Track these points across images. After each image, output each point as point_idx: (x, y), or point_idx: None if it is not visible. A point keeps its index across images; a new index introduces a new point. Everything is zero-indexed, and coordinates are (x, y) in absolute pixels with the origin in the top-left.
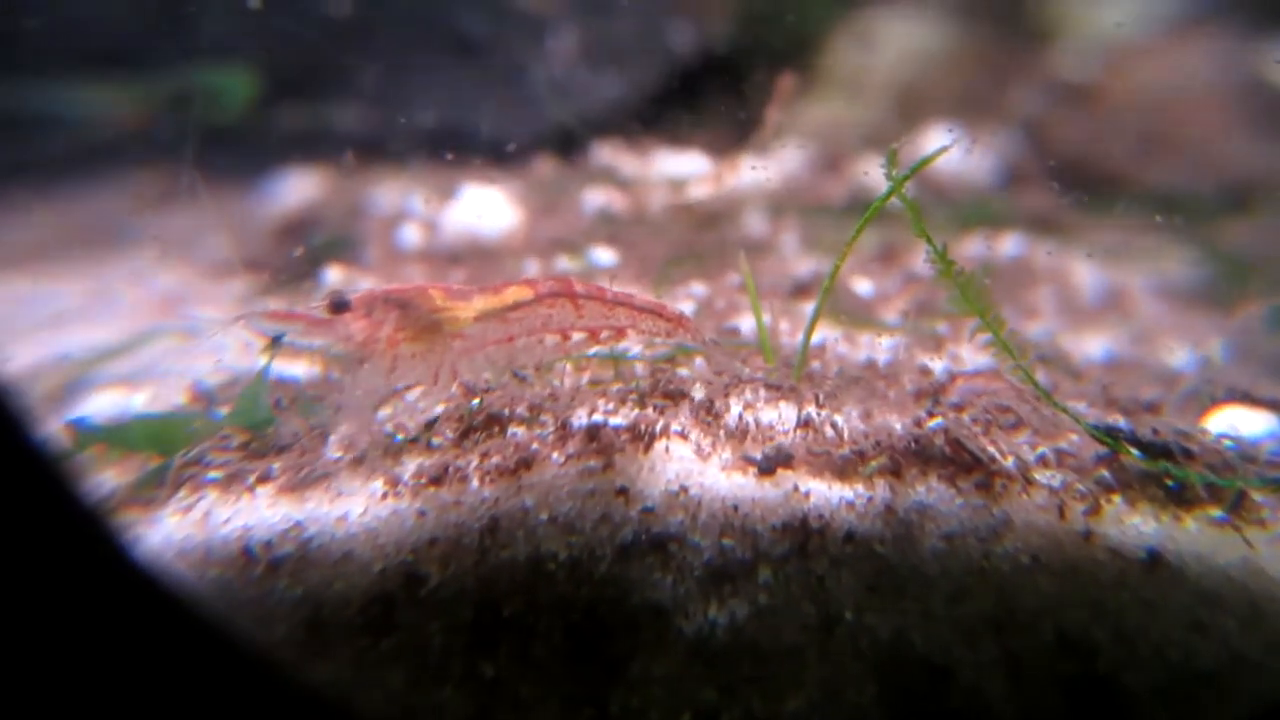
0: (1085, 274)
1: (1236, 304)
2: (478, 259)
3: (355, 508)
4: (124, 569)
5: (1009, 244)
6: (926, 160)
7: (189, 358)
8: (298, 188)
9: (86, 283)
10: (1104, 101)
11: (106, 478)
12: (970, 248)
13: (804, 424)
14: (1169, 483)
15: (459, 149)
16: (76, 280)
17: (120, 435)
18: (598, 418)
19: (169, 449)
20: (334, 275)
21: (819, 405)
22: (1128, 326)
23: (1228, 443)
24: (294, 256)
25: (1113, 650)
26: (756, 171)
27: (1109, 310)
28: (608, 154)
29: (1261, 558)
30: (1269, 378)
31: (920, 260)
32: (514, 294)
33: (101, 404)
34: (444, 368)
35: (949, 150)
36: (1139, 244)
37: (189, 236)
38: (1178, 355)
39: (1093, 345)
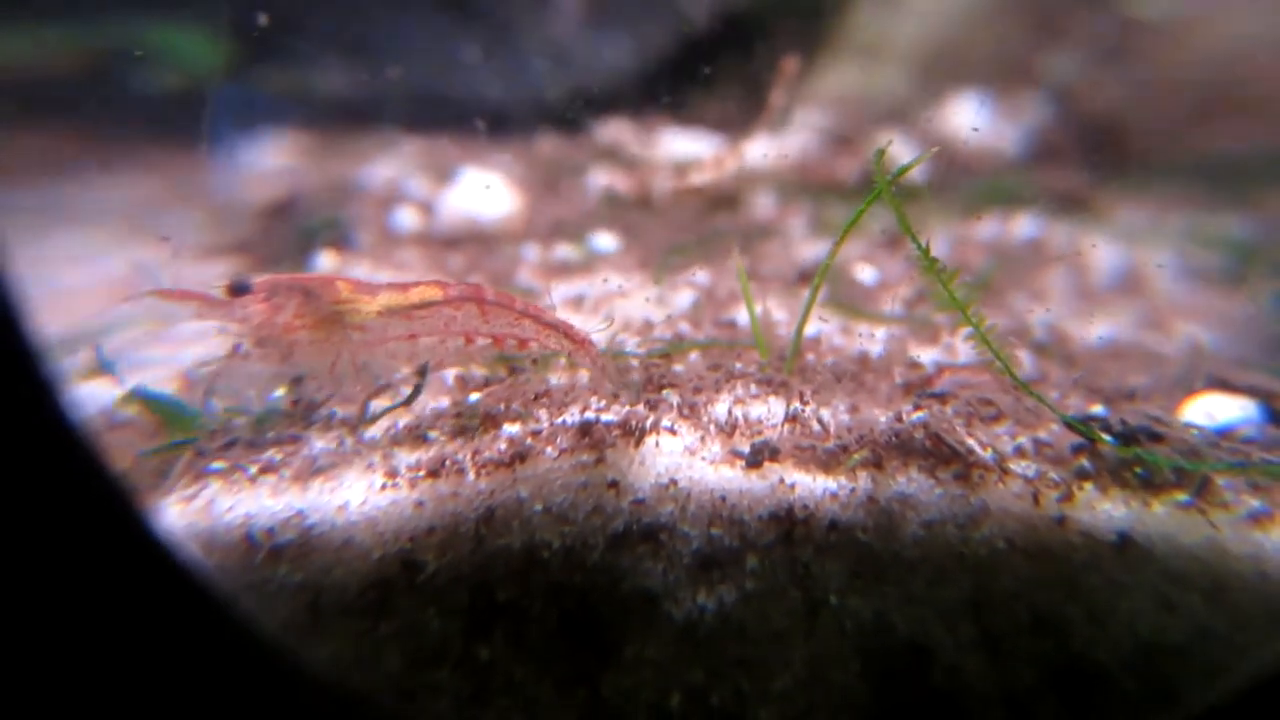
0: (1103, 255)
1: (1252, 287)
2: (476, 244)
3: (355, 497)
4: (147, 543)
5: (1029, 224)
6: (905, 169)
7: (169, 345)
8: (278, 157)
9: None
10: (1162, 55)
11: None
12: (992, 227)
13: (791, 418)
14: (1139, 470)
15: (454, 122)
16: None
17: (159, 406)
18: (590, 414)
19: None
20: (326, 261)
21: (807, 400)
22: (1140, 310)
23: (1194, 431)
24: (289, 241)
25: (1085, 628)
26: (765, 152)
27: (1124, 293)
28: (612, 130)
29: (1225, 538)
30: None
31: (930, 244)
32: (421, 293)
33: (87, 394)
34: (341, 358)
35: (976, 122)
36: (1169, 222)
37: (145, 210)
38: (1173, 340)
39: (1102, 328)
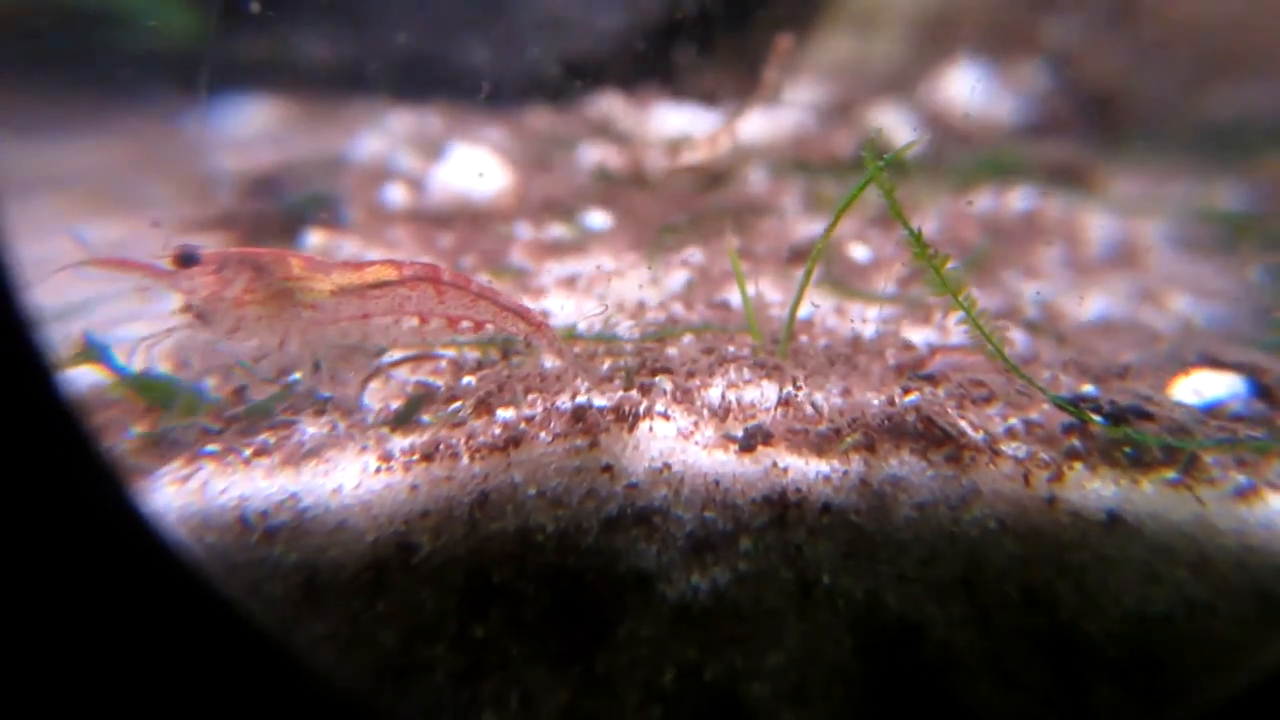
0: (1098, 227)
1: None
2: (467, 221)
3: (349, 481)
4: (138, 529)
5: (1024, 197)
6: (896, 154)
7: (149, 323)
8: (259, 126)
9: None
10: (1161, 17)
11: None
12: (987, 200)
13: (784, 402)
14: (1128, 449)
15: (442, 94)
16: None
17: (151, 388)
18: (582, 399)
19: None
20: (315, 238)
21: (800, 384)
22: (1134, 283)
23: (1182, 409)
24: (275, 216)
25: (1074, 601)
26: (759, 127)
27: (1118, 265)
28: (604, 104)
29: (1212, 513)
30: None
31: (921, 219)
32: (376, 273)
33: (81, 375)
34: (290, 336)
35: (971, 105)
36: (1165, 192)
37: (113, 178)
38: (1166, 315)
39: (1095, 303)
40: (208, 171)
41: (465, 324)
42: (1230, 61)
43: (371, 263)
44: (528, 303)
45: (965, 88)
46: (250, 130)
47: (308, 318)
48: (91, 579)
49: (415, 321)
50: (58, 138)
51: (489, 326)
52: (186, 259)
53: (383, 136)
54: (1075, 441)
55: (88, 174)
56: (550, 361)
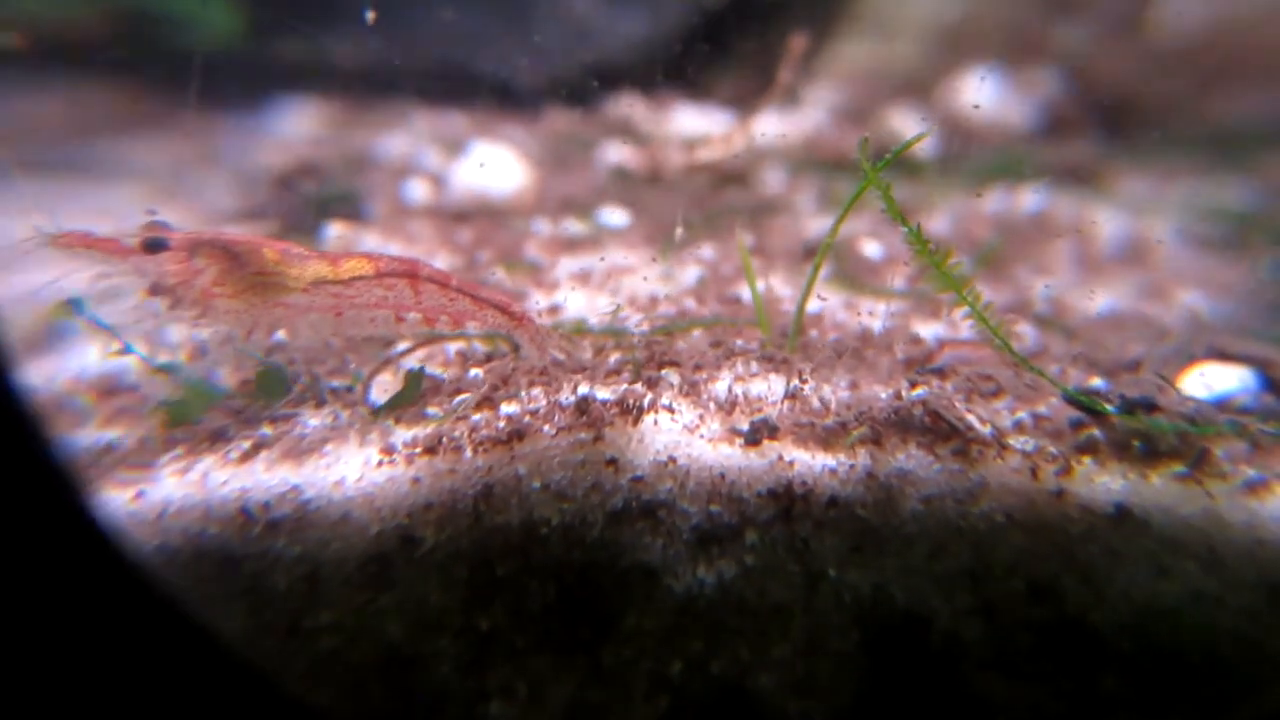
0: (1107, 225)
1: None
2: (486, 217)
3: (351, 474)
4: (86, 530)
5: (1035, 197)
6: (899, 151)
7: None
8: (303, 126)
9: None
10: (1170, 22)
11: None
12: (999, 200)
13: (791, 396)
14: (1137, 443)
15: (467, 95)
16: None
17: (194, 389)
18: (585, 391)
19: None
20: (336, 231)
21: (806, 377)
22: (1142, 279)
23: (1192, 403)
24: (302, 210)
25: (1081, 594)
26: (776, 128)
27: (1127, 263)
28: (624, 106)
29: (1221, 507)
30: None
31: (933, 219)
32: (352, 267)
33: (93, 355)
34: (258, 330)
35: (985, 92)
36: (1172, 192)
37: (174, 171)
38: (1173, 310)
39: (1103, 300)
40: (248, 167)
41: (443, 319)
42: (1231, 70)
43: (349, 256)
44: (538, 298)
45: (980, 92)
46: (299, 130)
47: (278, 314)
48: (41, 585)
49: (390, 317)
50: (135, 134)
51: (471, 324)
52: (154, 244)
53: (409, 135)
54: (1084, 435)
55: (157, 167)
56: (556, 354)
